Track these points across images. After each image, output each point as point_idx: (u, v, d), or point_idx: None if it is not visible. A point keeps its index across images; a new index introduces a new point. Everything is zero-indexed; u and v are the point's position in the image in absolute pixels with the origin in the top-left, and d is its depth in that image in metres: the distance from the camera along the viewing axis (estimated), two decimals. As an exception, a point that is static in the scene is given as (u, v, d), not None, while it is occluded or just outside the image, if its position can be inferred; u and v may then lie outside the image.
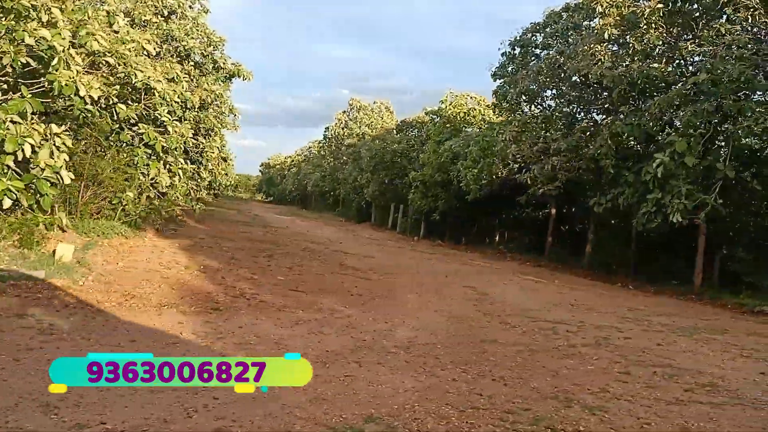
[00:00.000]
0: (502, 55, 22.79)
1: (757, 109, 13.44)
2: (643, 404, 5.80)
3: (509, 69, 22.55)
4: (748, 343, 9.90)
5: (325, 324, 8.23)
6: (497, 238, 30.46)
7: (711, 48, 14.50)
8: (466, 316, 9.89)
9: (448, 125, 32.89)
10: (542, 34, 21.91)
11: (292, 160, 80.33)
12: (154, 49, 19.94)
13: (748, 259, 15.83)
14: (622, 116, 16.80)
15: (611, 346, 8.46)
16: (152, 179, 16.10)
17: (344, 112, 55.88)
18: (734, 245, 17.45)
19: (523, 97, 22.29)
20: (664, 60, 16.45)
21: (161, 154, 16.93)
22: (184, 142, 21.09)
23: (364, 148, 41.57)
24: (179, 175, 18.49)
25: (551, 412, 5.32)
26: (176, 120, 18.06)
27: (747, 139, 16.28)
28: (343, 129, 53.98)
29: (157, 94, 17.02)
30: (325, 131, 57.50)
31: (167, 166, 18.56)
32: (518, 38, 21.94)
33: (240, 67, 25.58)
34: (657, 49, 16.42)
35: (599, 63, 16.78)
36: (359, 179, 42.82)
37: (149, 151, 16.68)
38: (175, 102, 17.94)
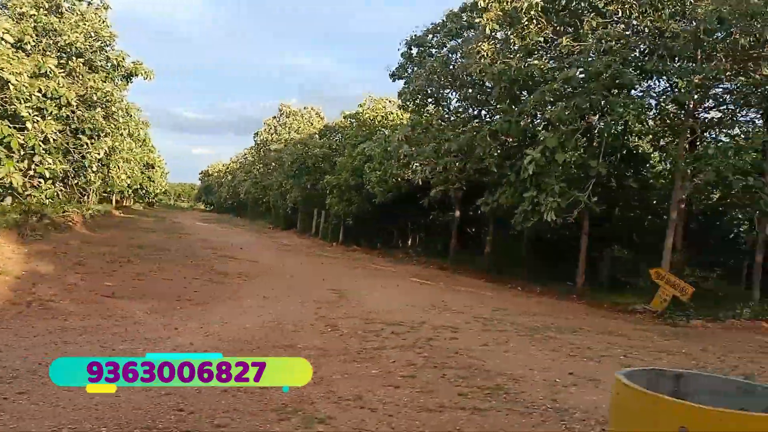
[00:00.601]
0: (401, 55, 22.37)
1: (627, 105, 13.25)
2: (390, 412, 5.17)
3: (408, 69, 22.13)
4: (591, 343, 9.53)
5: (90, 332, 7.35)
6: (409, 242, 30.04)
7: (586, 43, 14.32)
8: (293, 321, 9.17)
9: (363, 128, 32.39)
10: (440, 34, 21.59)
11: (227, 168, 78.54)
12: (27, 42, 18.78)
13: (626, 258, 15.70)
14: (501, 114, 16.51)
15: (426, 348, 7.89)
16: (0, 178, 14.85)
17: (274, 117, 54.84)
18: (620, 244, 17.43)
19: (429, 99, 22.00)
20: (545, 56, 16.26)
21: (19, 152, 15.72)
22: (66, 143, 19.89)
23: (286, 153, 40.67)
24: (44, 176, 17.25)
25: (258, 427, 4.62)
26: (40, 117, 16.85)
27: (627, 138, 16.31)
28: (271, 135, 52.88)
29: (12, 87, 15.85)
30: (254, 137, 56.22)
31: (33, 166, 17.32)
32: (414, 37, 21.55)
33: (139, 66, 24.44)
34: (538, 45, 16.20)
35: (482, 60, 16.47)
36: (284, 185, 41.94)
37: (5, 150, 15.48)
38: (36, 96, 16.76)
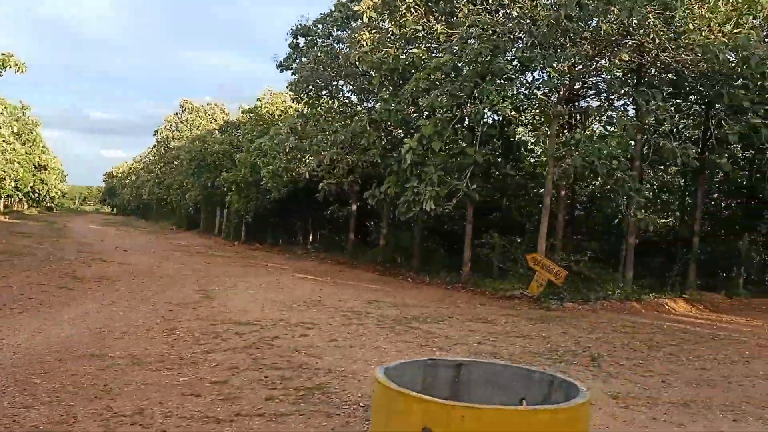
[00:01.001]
0: (289, 45, 21.65)
1: (500, 93, 13.15)
2: (167, 426, 4.55)
3: (296, 60, 21.44)
4: (452, 331, 9.29)
5: None
6: (310, 237, 29.42)
7: (459, 30, 14.16)
8: (128, 326, 8.34)
9: (261, 123, 31.42)
10: (327, 24, 21.03)
11: (131, 168, 74.79)
12: None
13: (512, 245, 15.74)
14: (381, 103, 16.17)
15: (264, 348, 7.31)
16: None
17: (176, 114, 52.55)
18: (511, 233, 17.51)
19: (324, 91, 21.41)
20: (424, 44, 16.05)
21: None
22: None
23: (183, 151, 38.95)
24: None
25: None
26: None
27: (507, 127, 16.35)
28: (172, 132, 50.65)
29: None
30: (154, 134, 53.67)
31: None
32: (299, 27, 20.88)
33: (9, 58, 22.45)
34: (417, 34, 15.95)
35: (361, 48, 16.06)
36: (185, 183, 40.21)
37: None
38: None
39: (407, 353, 7.41)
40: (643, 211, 12.72)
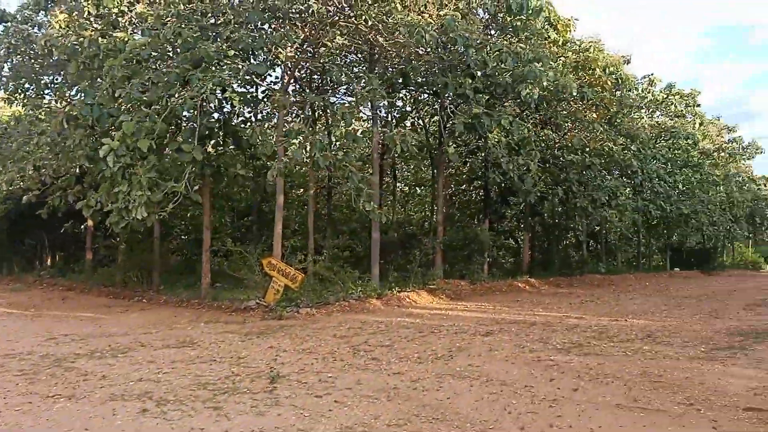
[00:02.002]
0: (-17, 34, 17.82)
1: (207, 79, 11.56)
2: None
3: (-9, 50, 17.71)
4: (121, 368, 7.48)
5: None
6: (48, 261, 25.25)
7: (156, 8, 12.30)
8: None
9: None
10: (29, 8, 17.71)
11: None
12: None
13: (238, 251, 14.24)
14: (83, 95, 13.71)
15: None
16: None
17: None
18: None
19: (30, 85, 17.90)
20: (131, 27, 13.91)
21: None
22: None
23: None
24: None
25: None
26: None
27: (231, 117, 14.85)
28: None
29: None
30: None
31: None
32: (-3, 11, 17.29)
33: None
34: (121, 15, 13.74)
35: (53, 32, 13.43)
36: None
37: None
38: None
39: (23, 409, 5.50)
40: (372, 203, 12.05)
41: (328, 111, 15.95)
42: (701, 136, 31.51)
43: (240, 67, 11.92)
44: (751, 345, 8.54)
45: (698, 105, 31.26)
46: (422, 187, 26.35)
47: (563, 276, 22.66)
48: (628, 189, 25.18)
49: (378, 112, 15.37)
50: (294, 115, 15.59)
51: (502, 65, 14.52)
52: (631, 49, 21.20)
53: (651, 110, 29.70)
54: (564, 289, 19.49)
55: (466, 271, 19.14)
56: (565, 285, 20.85)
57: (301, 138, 11.73)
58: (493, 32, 16.50)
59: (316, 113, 16.20)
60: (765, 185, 47.91)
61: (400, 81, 15.19)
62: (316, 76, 17.11)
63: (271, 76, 15.99)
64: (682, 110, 30.23)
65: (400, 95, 18.58)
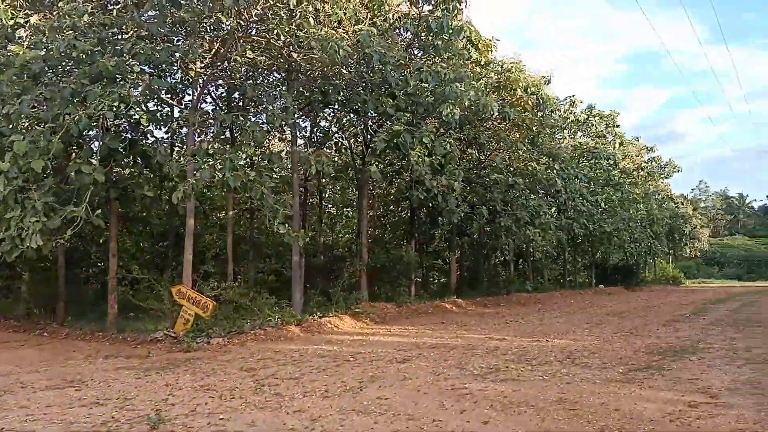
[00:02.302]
0: None
1: (105, 95, 10.74)
2: None
3: None
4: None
5: None
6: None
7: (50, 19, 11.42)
8: None
9: None
10: None
11: None
12: None
13: (145, 278, 13.35)
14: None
15: None
16: None
17: None
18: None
19: None
20: (28, 40, 12.91)
21: None
22: None
23: None
24: None
25: None
26: None
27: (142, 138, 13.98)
28: None
29: None
30: None
31: None
32: None
33: None
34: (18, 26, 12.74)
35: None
36: None
37: None
38: None
39: None
40: (287, 226, 11.47)
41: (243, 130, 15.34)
42: (621, 155, 32.66)
43: (141, 82, 11.18)
44: (668, 364, 8.46)
45: (617, 126, 32.44)
46: (350, 209, 25.95)
47: (491, 295, 22.66)
48: (553, 208, 25.62)
49: (297, 131, 14.88)
50: (208, 134, 14.87)
51: (424, 84, 14.38)
52: (551, 71, 21.77)
53: (573, 131, 30.53)
54: (490, 309, 19.40)
55: (392, 293, 18.77)
56: (492, 304, 20.79)
57: (211, 158, 11.05)
58: (416, 52, 16.37)
59: (234, 132, 15.54)
60: (682, 203, 50.26)
61: (320, 100, 14.77)
62: (237, 94, 16.50)
63: (190, 94, 15.34)
64: (602, 131, 31.25)
65: (324, 115, 18.18)
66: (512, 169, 19.04)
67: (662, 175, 44.22)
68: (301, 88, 14.88)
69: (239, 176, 11.02)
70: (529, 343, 10.88)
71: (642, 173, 37.62)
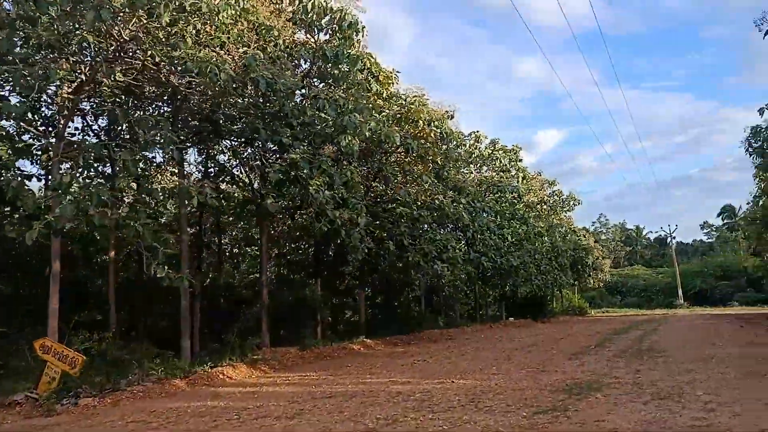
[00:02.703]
0: None
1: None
2: None
3: None
4: None
5: None
6: None
7: None
8: None
9: None
10: None
11: None
12: None
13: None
14: None
15: None
16: None
17: None
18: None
19: None
20: None
21: None
22: None
23: None
24: None
25: None
26: None
27: None
28: None
29: None
30: None
31: None
32: None
33: None
34: None
35: None
36: None
37: None
38: None
39: None
40: (166, 267, 10.29)
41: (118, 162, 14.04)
42: (525, 189, 33.39)
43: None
44: (573, 403, 7.97)
45: (520, 160, 33.22)
46: (256, 247, 24.69)
47: (403, 333, 21.99)
48: (462, 242, 25.53)
49: (183, 163, 13.78)
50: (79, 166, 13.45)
51: (321, 114, 13.75)
52: (454, 105, 21.76)
53: (478, 165, 30.92)
54: (400, 348, 18.68)
55: (297, 336, 17.69)
56: (402, 343, 20.10)
57: (75, 191, 9.79)
58: (315, 81, 15.76)
59: (112, 165, 14.18)
60: (584, 236, 52.24)
61: (211, 130, 13.77)
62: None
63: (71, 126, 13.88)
64: (506, 165, 31.86)
65: (220, 147, 17.08)
66: (418, 202, 18.67)
67: (564, 209, 45.78)
68: (190, 118, 13.87)
69: (105, 213, 9.81)
70: (433, 386, 10.17)
71: (545, 207, 38.67)
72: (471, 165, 29.59)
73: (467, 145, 29.07)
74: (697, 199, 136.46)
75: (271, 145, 13.56)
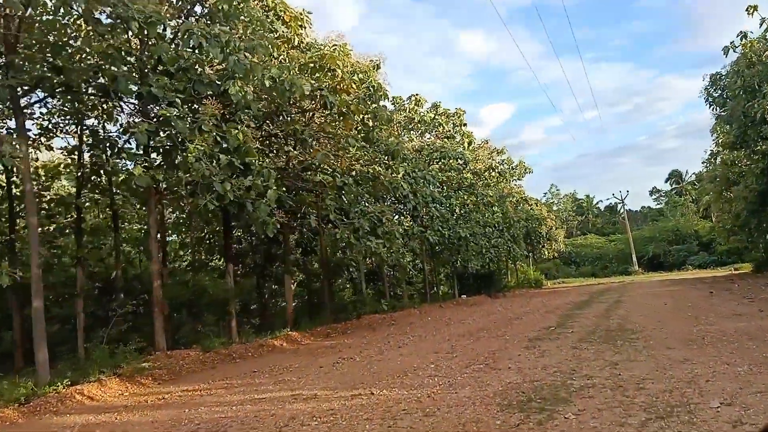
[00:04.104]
0: None
1: None
2: None
3: None
4: None
5: None
6: None
7: None
8: None
9: None
10: None
11: None
12: None
13: None
14: None
15: None
16: None
17: None
18: None
19: None
20: None
21: None
22: None
23: None
24: None
25: None
26: None
27: None
28: None
29: None
30: None
31: None
32: None
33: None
34: None
35: None
36: None
37: None
38: None
39: None
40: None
41: None
42: (472, 156, 30.95)
43: None
44: (533, 429, 5.41)
45: (465, 124, 30.69)
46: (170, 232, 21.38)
47: (338, 321, 19.31)
48: (406, 215, 22.94)
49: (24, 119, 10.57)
50: None
51: (203, 57, 10.76)
52: (381, 55, 18.47)
53: (420, 131, 28.27)
54: (332, 340, 15.97)
55: (205, 333, 14.78)
56: (336, 334, 17.41)
57: None
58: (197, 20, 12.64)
59: None
60: (537, 205, 50.51)
61: (55, 79, 10.58)
62: None
63: None
64: (450, 131, 29.30)
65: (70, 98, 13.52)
66: (343, 168, 15.83)
67: (514, 177, 43.75)
68: (28, 64, 10.66)
69: None
70: (344, 402, 7.47)
71: (494, 174, 36.33)
72: (412, 131, 26.94)
73: (407, 110, 26.35)
74: (644, 166, 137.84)
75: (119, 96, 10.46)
